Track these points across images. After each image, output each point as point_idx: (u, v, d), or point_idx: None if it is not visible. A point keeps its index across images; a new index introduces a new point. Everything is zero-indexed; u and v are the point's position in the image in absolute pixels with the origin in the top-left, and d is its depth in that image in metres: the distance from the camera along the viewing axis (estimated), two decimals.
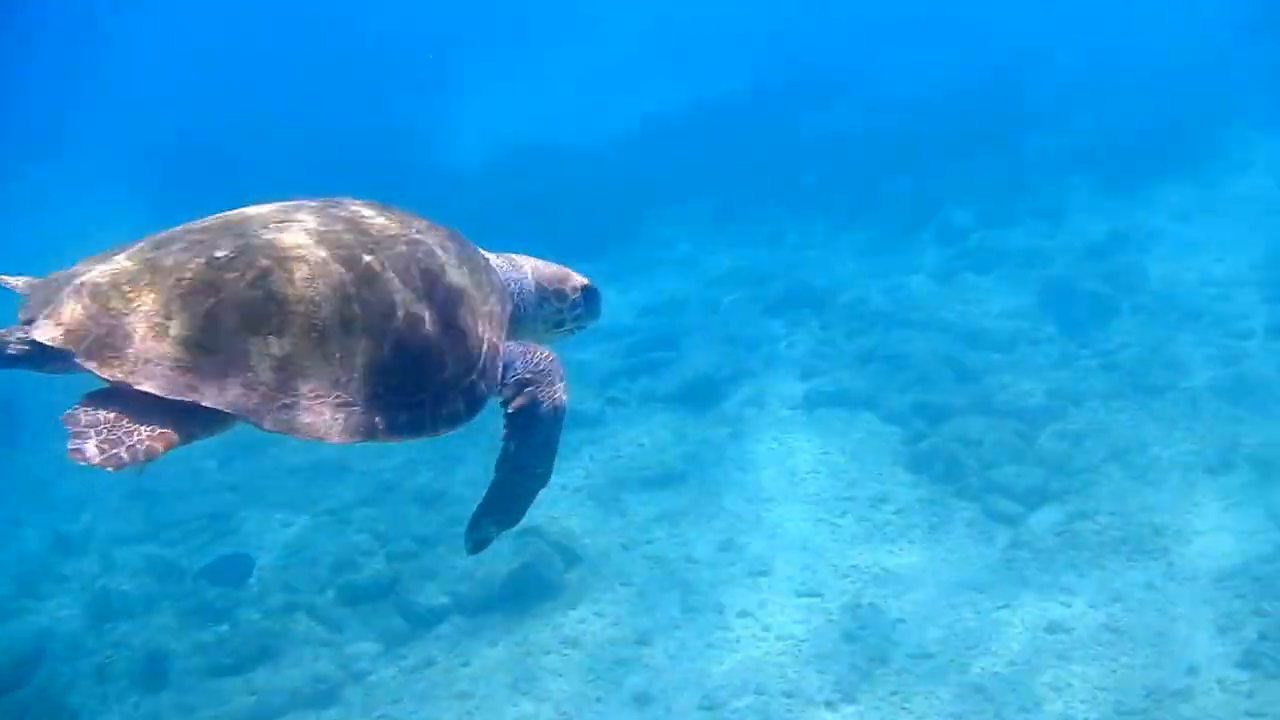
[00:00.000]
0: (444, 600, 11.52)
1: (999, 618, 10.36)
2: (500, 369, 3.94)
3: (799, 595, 11.04)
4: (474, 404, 3.81)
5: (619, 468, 13.53)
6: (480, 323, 3.85)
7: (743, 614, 10.88)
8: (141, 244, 3.58)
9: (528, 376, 3.99)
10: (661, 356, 16.19)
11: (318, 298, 3.42)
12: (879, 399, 14.16)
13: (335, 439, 3.41)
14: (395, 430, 3.55)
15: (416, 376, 3.60)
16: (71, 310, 3.30)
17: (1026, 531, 11.44)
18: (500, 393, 3.96)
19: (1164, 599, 10.29)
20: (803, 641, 10.45)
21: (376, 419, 3.50)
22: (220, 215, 3.73)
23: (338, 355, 3.43)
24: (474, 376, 3.79)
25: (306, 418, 3.37)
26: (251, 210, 3.75)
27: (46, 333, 3.27)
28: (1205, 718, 8.96)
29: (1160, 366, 14.05)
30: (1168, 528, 11.14)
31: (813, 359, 15.62)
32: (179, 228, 3.66)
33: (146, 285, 3.34)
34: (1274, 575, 10.29)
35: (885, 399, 14.11)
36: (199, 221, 3.69)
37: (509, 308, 4.16)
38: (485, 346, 3.85)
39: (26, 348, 3.35)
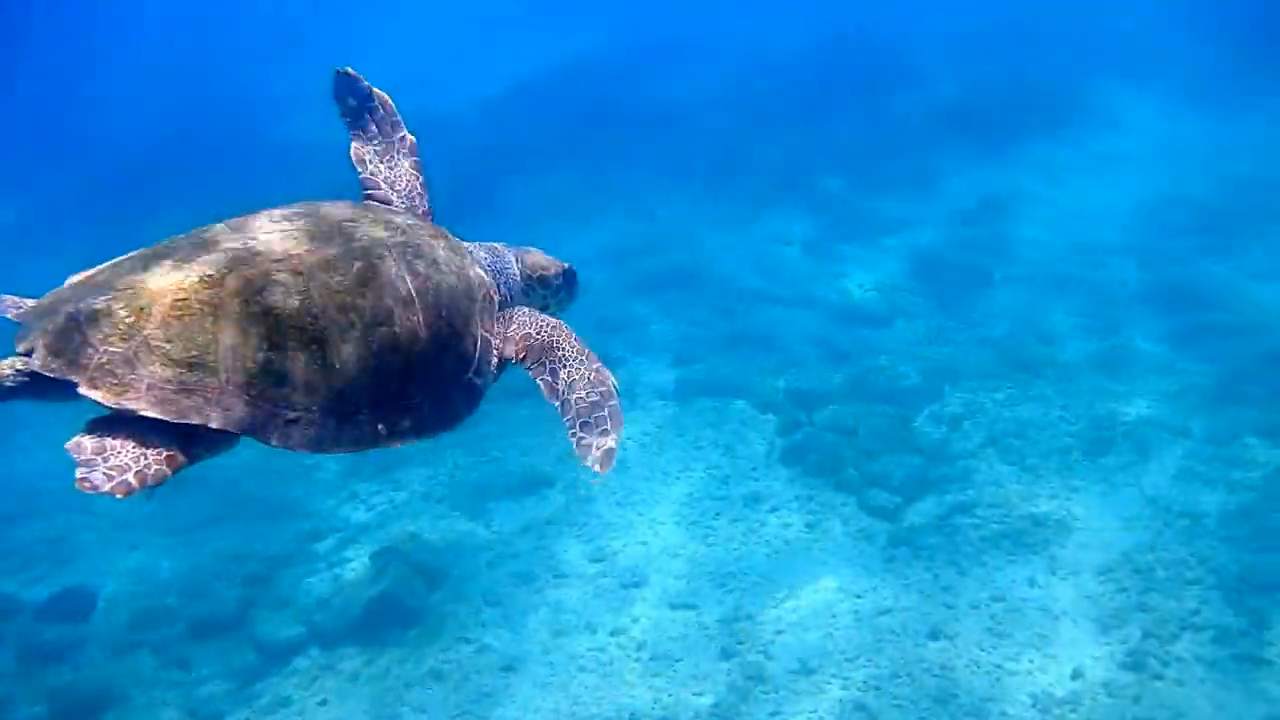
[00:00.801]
0: (299, 630, 10.81)
1: (881, 625, 9.96)
2: (494, 363, 4.00)
3: (674, 608, 10.53)
4: (472, 401, 3.89)
5: (485, 473, 12.85)
6: (473, 320, 3.89)
7: (616, 632, 10.33)
8: (131, 263, 3.53)
9: (538, 348, 4.11)
10: None
11: (313, 309, 3.42)
12: (752, 385, 13.67)
13: (341, 450, 3.50)
14: (398, 436, 3.62)
15: (416, 380, 3.65)
16: (70, 338, 3.29)
17: (906, 527, 11.06)
18: (517, 361, 4.09)
19: (1047, 596, 9.98)
20: (678, 661, 9.94)
21: (379, 427, 3.56)
22: (206, 228, 3.69)
23: (337, 365, 3.44)
24: (470, 374, 3.86)
25: (310, 431, 3.41)
26: (236, 221, 3.70)
27: (47, 362, 3.27)
28: None
29: (1034, 340, 13.81)
30: (1048, 518, 10.84)
31: (683, 343, 15.07)
32: (166, 243, 3.62)
33: (143, 309, 3.30)
34: (1154, 565, 10.06)
35: (758, 385, 13.63)
36: (185, 236, 3.65)
37: (497, 299, 4.14)
38: (479, 343, 3.90)
39: (26, 379, 3.34)
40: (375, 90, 4.54)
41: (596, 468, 3.85)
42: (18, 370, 3.36)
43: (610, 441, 3.91)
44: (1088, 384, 12.87)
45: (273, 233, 3.60)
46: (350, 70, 4.45)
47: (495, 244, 4.50)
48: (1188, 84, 21.08)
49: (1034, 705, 8.90)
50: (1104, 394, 12.61)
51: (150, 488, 3.14)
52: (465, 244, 4.24)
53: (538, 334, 4.14)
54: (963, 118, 20.94)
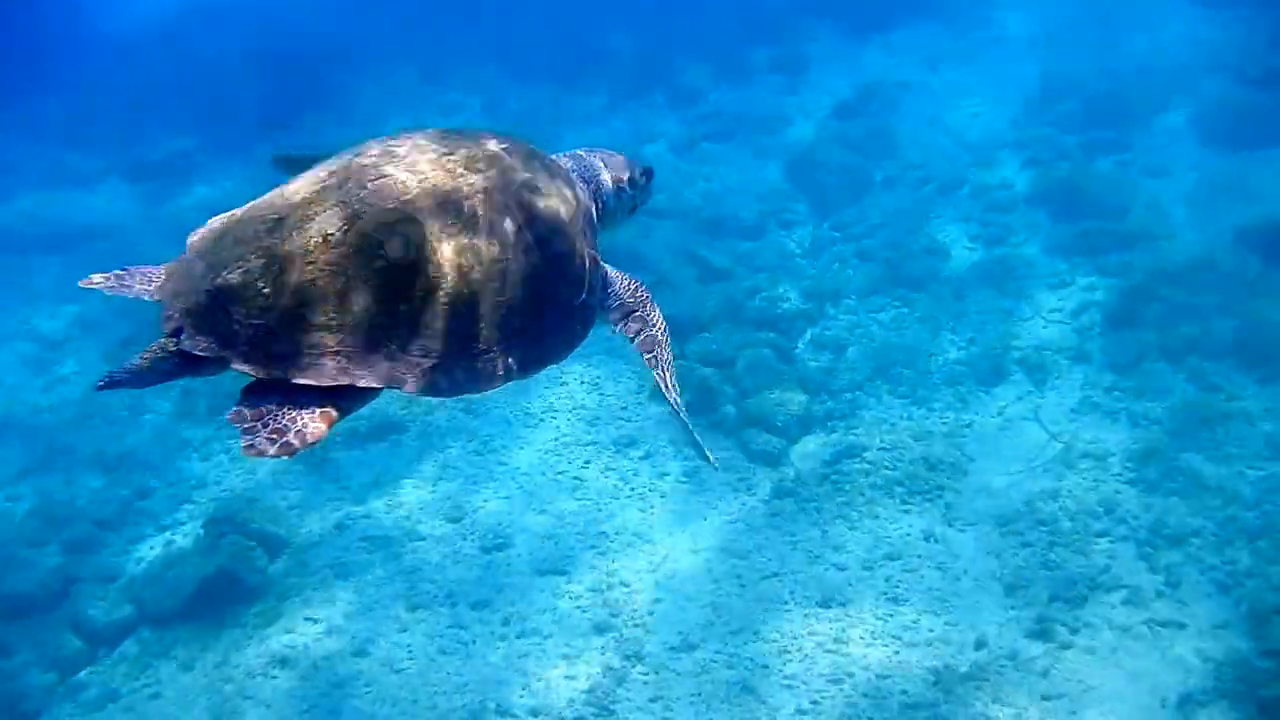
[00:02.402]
0: (128, 610, 9.64)
1: (765, 591, 9.06)
2: (601, 281, 4.08)
3: (541, 574, 9.52)
4: (588, 323, 3.96)
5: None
6: (579, 240, 3.91)
7: (478, 605, 9.29)
8: (253, 220, 3.56)
9: (630, 303, 4.24)
10: None
11: (436, 256, 3.46)
12: None
13: (482, 389, 3.58)
14: (528, 367, 3.68)
15: (537, 309, 3.67)
16: (215, 316, 3.37)
17: (791, 474, 10.14)
18: (606, 316, 4.19)
19: (946, 553, 9.17)
20: (548, 638, 8.96)
21: (510, 360, 3.62)
22: (312, 175, 3.67)
23: (464, 309, 3.48)
24: (584, 295, 3.90)
25: (449, 376, 3.50)
26: (337, 165, 3.68)
27: (197, 343, 3.36)
28: (999, 706, 7.91)
29: (919, 252, 12.87)
30: (942, 461, 10.00)
31: None
32: (277, 197, 3.63)
33: (278, 278, 3.35)
34: (1059, 516, 9.28)
35: None
36: (293, 188, 3.63)
37: (594, 212, 4.26)
38: (588, 263, 3.93)
39: (179, 360, 3.41)
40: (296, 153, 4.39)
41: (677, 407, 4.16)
42: (169, 352, 3.43)
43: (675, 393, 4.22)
44: (978, 300, 12.02)
45: (379, 178, 3.57)
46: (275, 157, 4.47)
47: (578, 151, 4.54)
48: None
49: (936, 683, 8.11)
50: (995, 313, 11.78)
51: (311, 446, 3.24)
52: (554, 158, 4.22)
53: (632, 298, 4.27)
54: None
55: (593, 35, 19.84)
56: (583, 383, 11.64)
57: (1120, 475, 9.60)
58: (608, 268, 4.21)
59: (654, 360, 4.26)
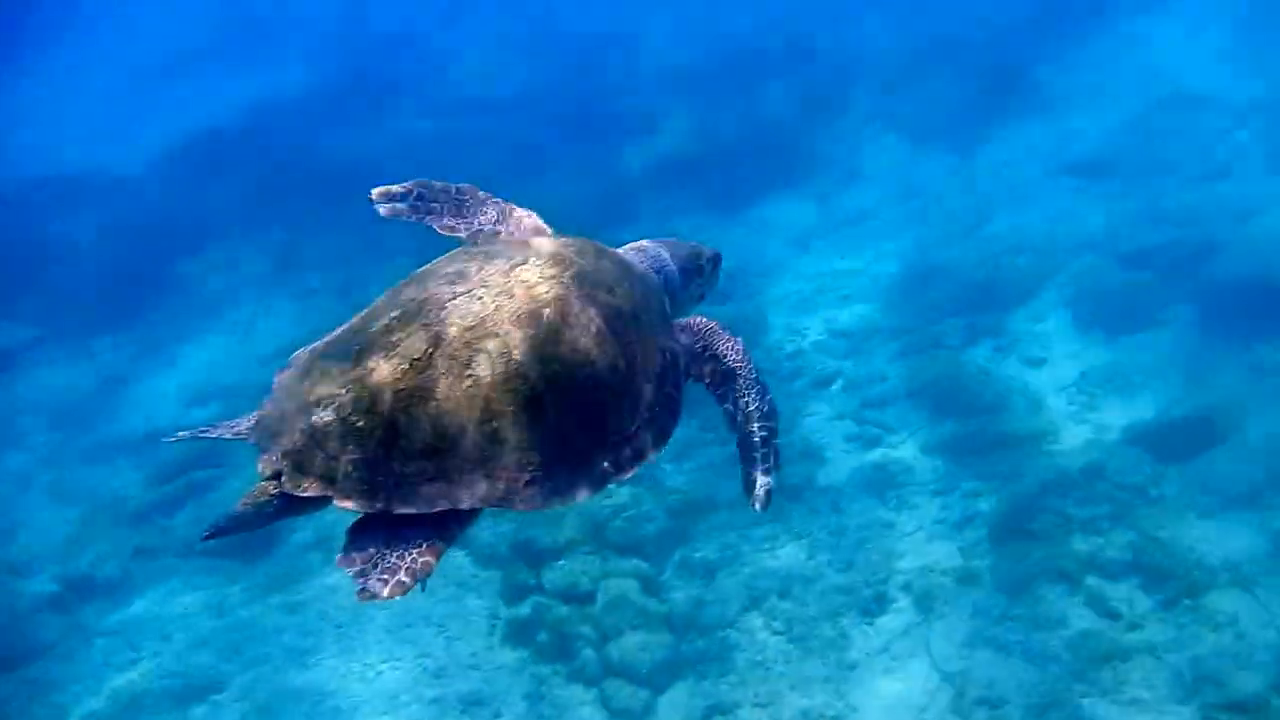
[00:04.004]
0: None
1: None
2: (682, 365, 4.08)
3: None
4: (677, 414, 3.96)
5: (138, 680, 10.24)
6: (658, 335, 3.96)
7: None
8: (338, 352, 3.63)
9: (700, 348, 4.23)
10: (205, 477, 12.85)
11: (522, 370, 3.49)
12: (471, 531, 11.44)
13: (580, 499, 3.59)
14: (623, 468, 3.70)
15: (625, 410, 3.70)
16: (313, 455, 3.40)
17: None
18: (693, 378, 4.19)
19: None
20: None
21: (606, 464, 3.65)
22: (391, 297, 3.79)
23: (554, 418, 3.50)
24: (669, 389, 3.93)
25: (548, 487, 3.49)
26: (412, 288, 3.77)
27: (301, 485, 3.38)
28: None
29: (794, 456, 11.88)
30: (824, 717, 8.97)
31: None
32: (359, 322, 3.75)
33: (370, 410, 3.40)
34: None
35: (479, 529, 11.40)
36: (373, 312, 3.74)
37: (666, 304, 4.25)
38: (667, 356, 3.96)
39: (281, 502, 3.40)
40: (406, 186, 4.62)
41: (758, 506, 4.14)
42: (270, 495, 3.40)
43: (771, 480, 4.15)
44: (857, 512, 11.11)
45: (456, 297, 3.63)
46: (375, 194, 4.57)
47: (642, 243, 4.52)
48: (928, 127, 19.79)
49: None
50: (876, 527, 10.87)
51: (422, 580, 3.23)
52: (620, 252, 4.27)
53: (725, 356, 4.21)
54: (694, 167, 18.85)
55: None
56: (429, 621, 10.45)
57: None
58: (676, 331, 4.24)
59: (724, 395, 4.21)
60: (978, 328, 13.54)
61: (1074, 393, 12.26)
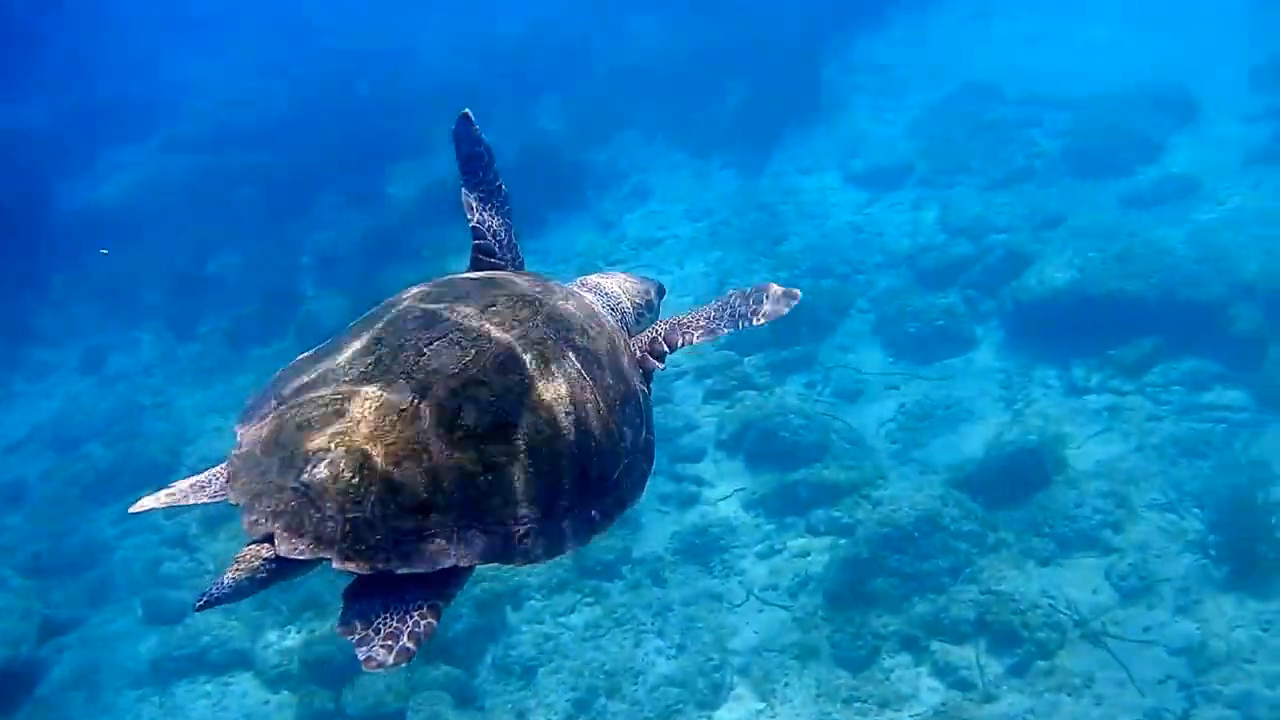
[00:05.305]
0: None
1: None
2: (649, 405, 3.93)
3: None
4: (652, 458, 3.83)
5: None
6: (632, 376, 3.84)
7: None
8: (312, 406, 3.39)
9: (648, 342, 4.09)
10: None
11: (510, 419, 3.35)
12: (253, 652, 10.22)
13: (573, 549, 3.43)
14: (610, 516, 3.56)
15: (609, 456, 3.56)
16: (307, 516, 3.18)
17: None
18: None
19: None
20: None
21: (593, 513, 3.50)
22: (355, 339, 3.57)
23: (545, 468, 3.37)
24: (645, 433, 3.80)
25: (543, 540, 3.35)
26: (383, 330, 3.55)
27: (294, 547, 3.15)
28: None
29: None
30: None
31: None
32: (329, 374, 3.49)
33: (361, 467, 3.19)
34: None
35: (263, 646, 10.19)
36: (338, 357, 3.53)
37: (628, 342, 4.08)
38: (639, 398, 3.83)
39: (274, 566, 3.17)
40: (485, 140, 4.40)
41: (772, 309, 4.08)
42: (263, 559, 3.16)
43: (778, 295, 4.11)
44: (681, 584, 10.28)
45: (433, 341, 3.45)
46: (469, 114, 4.31)
47: (589, 279, 4.37)
48: (714, 137, 19.13)
49: None
50: (704, 600, 10.05)
51: (425, 642, 3.08)
52: (574, 290, 4.12)
53: (665, 339, 4.11)
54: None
55: (198, 260, 17.45)
56: None
57: None
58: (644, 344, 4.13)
59: (659, 355, 4.06)
60: (787, 362, 12.82)
61: (894, 429, 11.67)
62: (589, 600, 10.28)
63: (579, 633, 9.96)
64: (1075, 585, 9.45)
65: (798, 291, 4.11)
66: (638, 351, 4.05)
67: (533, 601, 10.28)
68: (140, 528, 12.14)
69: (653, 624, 9.91)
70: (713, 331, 4.14)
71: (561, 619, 10.10)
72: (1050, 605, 9.22)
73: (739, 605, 9.99)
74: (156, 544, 11.93)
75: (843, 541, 10.25)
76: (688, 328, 4.13)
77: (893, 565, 9.77)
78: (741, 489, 11.21)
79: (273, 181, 18.61)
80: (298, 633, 10.32)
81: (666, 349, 4.07)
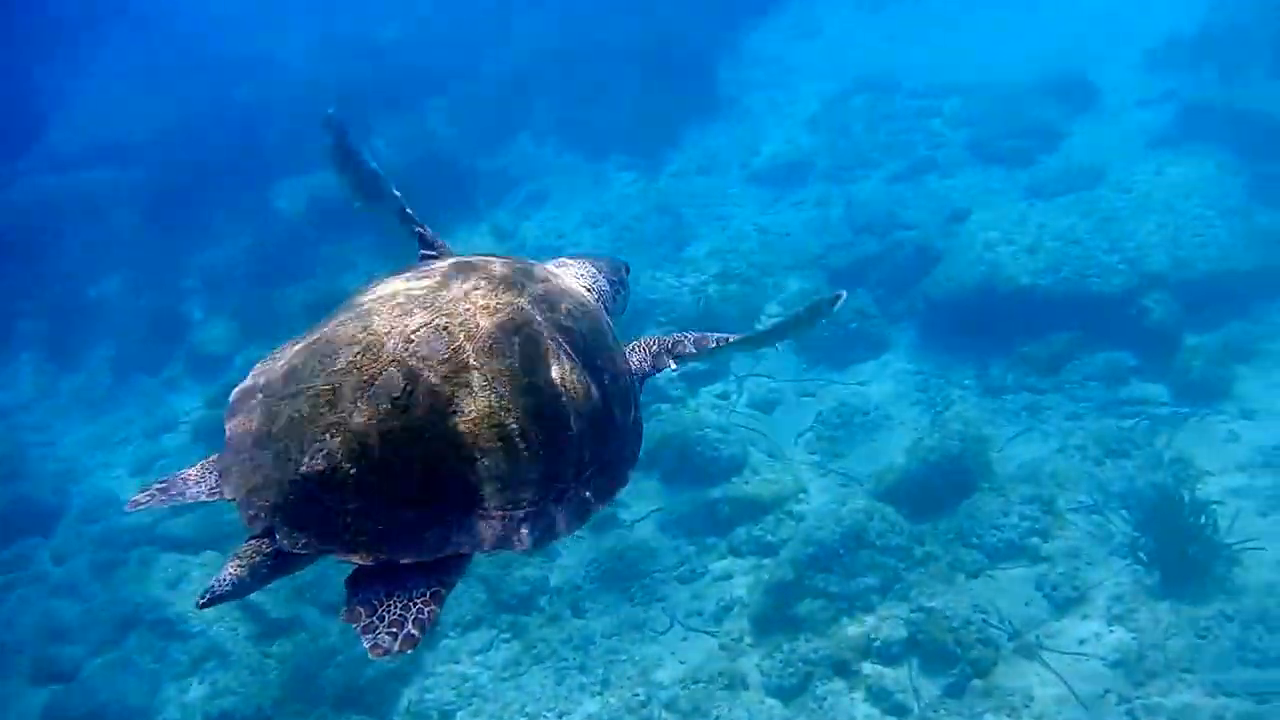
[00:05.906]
0: None
1: None
2: (639, 386, 3.92)
3: None
4: (641, 437, 3.82)
5: None
6: (618, 356, 3.79)
7: None
8: (303, 395, 3.31)
9: (650, 369, 4.02)
10: None
11: (504, 404, 3.28)
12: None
13: (573, 529, 3.43)
14: (604, 496, 3.55)
15: (601, 437, 3.52)
16: (311, 508, 3.15)
17: None
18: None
19: None
20: None
21: (588, 494, 3.48)
22: (339, 329, 3.43)
23: (540, 451, 3.32)
24: (634, 412, 3.77)
25: (541, 524, 3.32)
26: (365, 320, 3.43)
27: (296, 541, 3.13)
28: None
29: (518, 581, 10.54)
30: None
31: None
32: (315, 363, 3.36)
33: (359, 458, 3.14)
34: None
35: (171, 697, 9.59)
36: (324, 347, 3.39)
37: (610, 323, 4.04)
38: (628, 378, 3.80)
39: (274, 560, 3.17)
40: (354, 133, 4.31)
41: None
42: (264, 554, 3.15)
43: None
44: (601, 614, 9.90)
45: (420, 327, 3.35)
46: (332, 114, 4.24)
47: (565, 260, 4.29)
48: (610, 138, 18.70)
49: None
50: (626, 631, 9.68)
51: (429, 629, 3.06)
52: (556, 271, 4.06)
53: (694, 343, 4.09)
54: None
55: (80, 275, 16.64)
56: None
57: None
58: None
59: (678, 357, 4.05)
60: (699, 373, 12.45)
61: (813, 439, 11.37)
62: (506, 636, 9.83)
63: (497, 672, 9.50)
64: (1007, 597, 9.19)
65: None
66: (655, 346, 4.05)
67: (448, 640, 9.81)
68: (27, 579, 11.50)
69: (574, 658, 9.48)
70: (697, 354, 4.12)
71: (479, 657, 9.65)
72: (983, 620, 8.93)
73: (663, 633, 9.61)
74: (45, 595, 11.26)
75: (766, 561, 9.92)
76: (707, 341, 4.09)
77: (819, 585, 9.44)
78: (658, 509, 10.81)
79: (152, 198, 17.80)
80: (200, 684, 9.75)
81: (689, 350, 4.06)
